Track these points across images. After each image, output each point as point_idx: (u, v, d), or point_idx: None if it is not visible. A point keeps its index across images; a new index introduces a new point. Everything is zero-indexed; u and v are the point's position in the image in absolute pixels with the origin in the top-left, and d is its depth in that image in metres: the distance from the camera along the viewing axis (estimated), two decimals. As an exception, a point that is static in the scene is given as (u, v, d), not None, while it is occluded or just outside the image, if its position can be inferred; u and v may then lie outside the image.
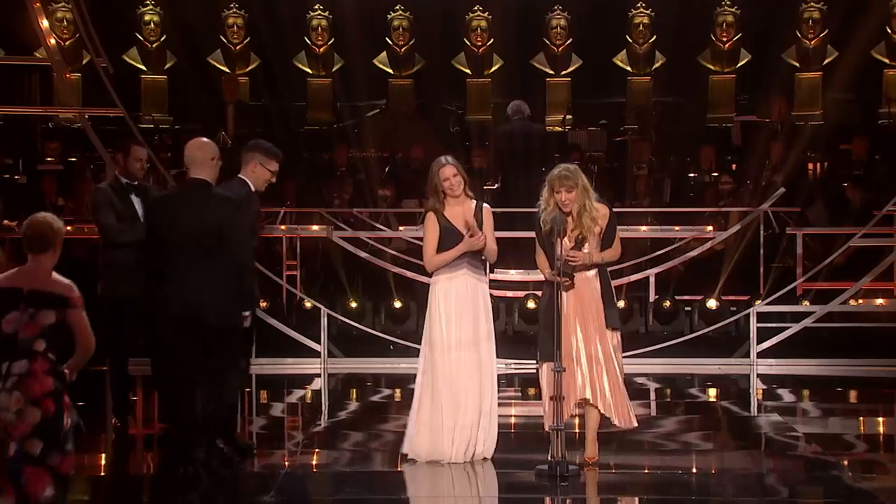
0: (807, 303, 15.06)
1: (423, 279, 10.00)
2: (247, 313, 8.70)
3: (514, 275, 14.98)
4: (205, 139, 8.67)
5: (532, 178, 14.13)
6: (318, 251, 15.88)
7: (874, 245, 15.11)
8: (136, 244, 9.59)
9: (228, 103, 18.69)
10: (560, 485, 8.41)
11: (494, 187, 16.71)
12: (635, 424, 8.89)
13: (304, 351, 14.35)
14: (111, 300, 10.12)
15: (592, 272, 8.93)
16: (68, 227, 11.69)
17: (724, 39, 19.89)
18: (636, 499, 8.47)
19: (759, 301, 14.96)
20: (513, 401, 12.31)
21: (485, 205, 9.26)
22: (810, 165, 17.82)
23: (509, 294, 15.20)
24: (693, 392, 13.47)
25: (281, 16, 19.71)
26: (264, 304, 15.07)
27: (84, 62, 18.15)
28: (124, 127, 15.47)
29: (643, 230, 16.04)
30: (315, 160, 18.18)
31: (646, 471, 9.21)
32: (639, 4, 20.01)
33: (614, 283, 14.71)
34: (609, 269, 9.18)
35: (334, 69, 20.10)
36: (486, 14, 20.06)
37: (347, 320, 14.94)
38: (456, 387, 8.98)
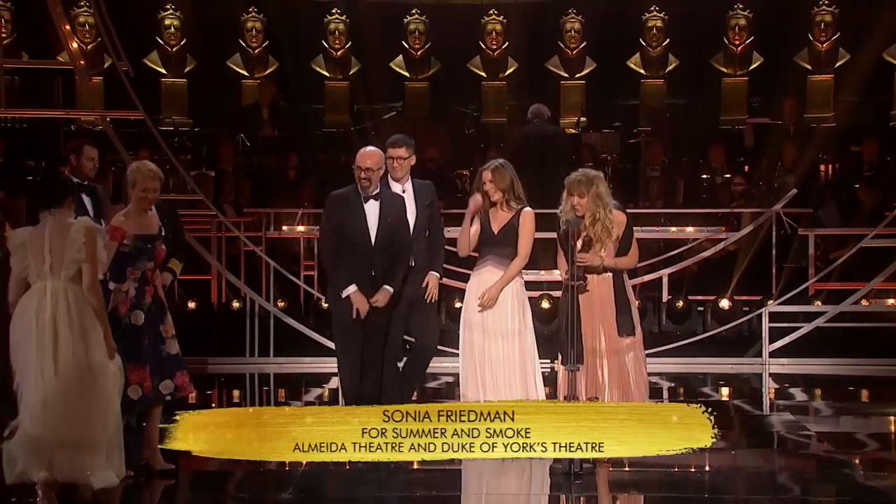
0: (819, 303, 15.14)
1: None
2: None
3: (526, 275, 15.04)
4: (367, 148, 9.43)
5: (544, 180, 14.16)
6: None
7: (886, 246, 15.20)
8: None
9: (264, 106, 18.80)
10: (574, 482, 8.50)
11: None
12: None
13: (322, 350, 14.42)
14: None
15: (608, 276, 8.97)
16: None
17: (737, 43, 19.92)
18: (650, 496, 8.56)
19: (772, 301, 15.04)
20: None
21: (525, 210, 9.32)
22: (822, 167, 17.90)
23: (523, 294, 15.27)
24: (706, 391, 13.55)
25: (299, 20, 19.83)
26: (282, 303, 15.21)
27: (106, 66, 18.29)
28: (144, 129, 15.67)
29: (657, 231, 16.14)
30: (332, 162, 18.29)
31: (659, 469, 9.23)
32: (652, 8, 20.06)
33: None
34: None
35: (351, 72, 20.21)
36: (500, 17, 20.14)
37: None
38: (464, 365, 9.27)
